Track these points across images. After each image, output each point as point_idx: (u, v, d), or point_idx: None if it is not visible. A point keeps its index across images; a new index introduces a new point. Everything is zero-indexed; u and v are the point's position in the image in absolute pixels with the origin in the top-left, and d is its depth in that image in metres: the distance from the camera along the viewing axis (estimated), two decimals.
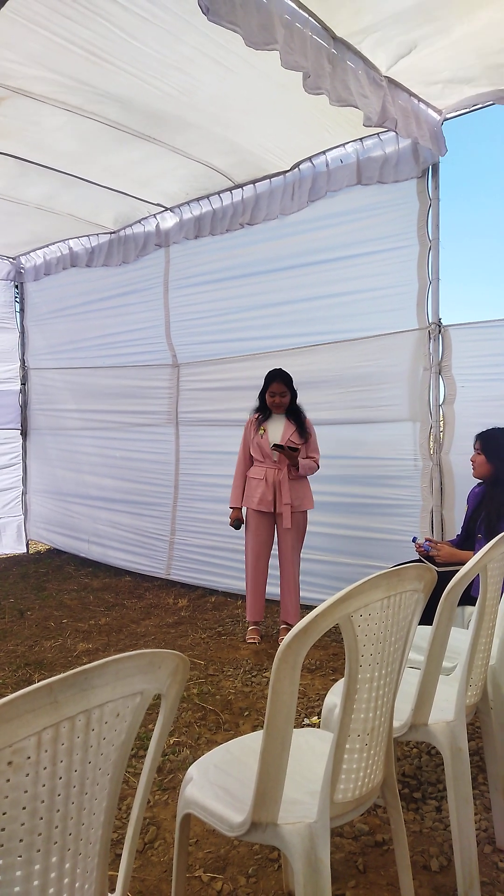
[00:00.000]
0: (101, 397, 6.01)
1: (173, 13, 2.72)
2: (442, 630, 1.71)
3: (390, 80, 3.27)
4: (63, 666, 3.62)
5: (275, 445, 3.79)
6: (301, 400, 3.97)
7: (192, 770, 1.56)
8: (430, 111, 3.61)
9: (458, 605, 2.36)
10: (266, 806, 1.30)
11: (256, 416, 3.98)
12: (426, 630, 1.76)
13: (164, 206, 5.10)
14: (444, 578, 1.77)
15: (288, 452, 3.75)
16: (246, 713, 2.99)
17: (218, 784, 1.49)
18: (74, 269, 6.06)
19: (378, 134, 3.91)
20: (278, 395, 3.86)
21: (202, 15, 2.36)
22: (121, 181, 4.62)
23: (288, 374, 3.90)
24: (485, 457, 3.01)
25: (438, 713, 1.79)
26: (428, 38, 2.96)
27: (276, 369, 3.91)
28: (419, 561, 2.97)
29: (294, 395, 3.92)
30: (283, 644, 1.21)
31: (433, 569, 1.49)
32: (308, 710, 2.99)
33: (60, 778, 0.86)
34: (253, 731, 2.66)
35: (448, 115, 3.66)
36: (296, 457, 3.78)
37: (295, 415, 3.90)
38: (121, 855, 1.17)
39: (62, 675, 0.83)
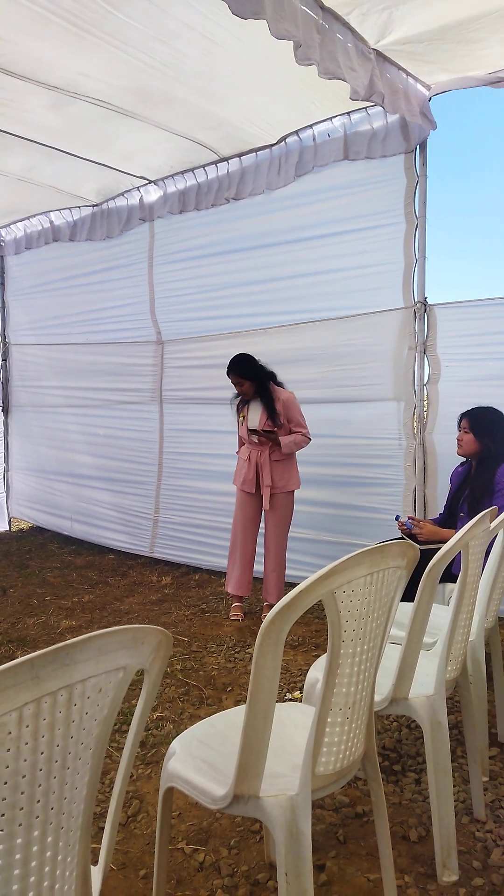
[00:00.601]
0: (84, 374, 5.95)
1: None
2: (423, 606, 1.73)
3: (378, 54, 3.21)
4: (46, 643, 3.62)
5: (250, 431, 3.80)
6: (285, 378, 3.95)
7: (175, 744, 1.57)
8: (419, 86, 3.56)
9: (440, 582, 2.39)
10: (248, 779, 1.31)
11: (237, 401, 3.97)
12: (408, 606, 1.77)
13: (147, 179, 5.01)
14: (426, 556, 1.78)
15: (263, 435, 3.75)
16: (229, 688, 3.01)
17: (201, 758, 1.50)
18: (56, 243, 5.95)
19: (366, 108, 3.86)
20: (236, 385, 3.84)
21: None
22: (104, 154, 4.53)
23: (242, 361, 3.80)
24: (473, 435, 3.02)
25: (419, 687, 1.81)
26: (416, 12, 2.91)
27: (230, 360, 3.82)
28: (402, 539, 3.00)
29: (258, 378, 3.81)
30: (266, 620, 1.21)
31: (416, 546, 1.49)
32: (290, 686, 3.02)
33: (42, 753, 0.85)
34: (236, 706, 2.68)
35: (437, 91, 3.61)
36: (274, 438, 3.76)
37: (266, 398, 3.82)
38: (104, 828, 1.17)
39: (44, 651, 0.83)
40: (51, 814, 0.89)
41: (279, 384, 3.92)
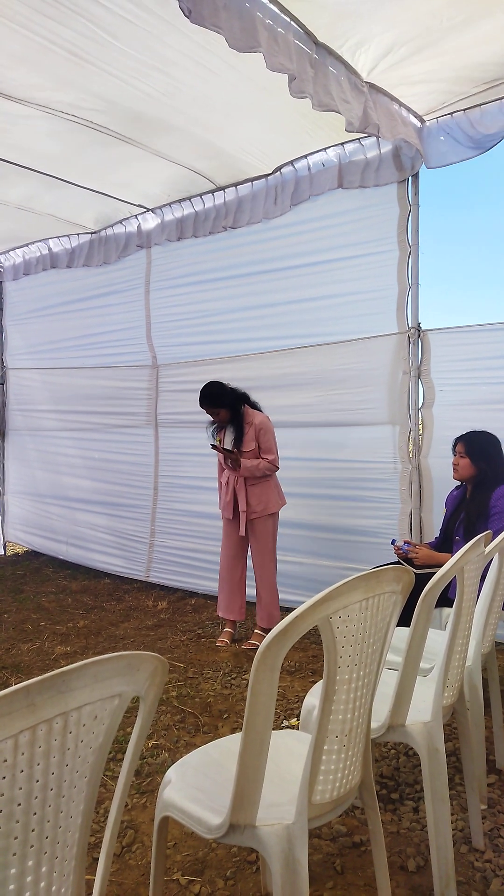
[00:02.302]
0: (80, 398, 5.97)
1: (155, 14, 2.72)
2: (419, 631, 1.73)
3: (371, 86, 3.29)
4: (41, 669, 3.58)
5: (212, 446, 3.83)
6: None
7: (171, 772, 1.55)
8: (412, 117, 3.64)
9: (436, 606, 2.38)
10: (244, 808, 1.30)
11: (214, 427, 3.97)
12: (404, 632, 1.77)
13: (145, 207, 5.09)
14: (422, 580, 1.78)
15: (222, 451, 3.77)
16: (225, 716, 2.98)
17: (196, 786, 1.49)
18: (54, 269, 6.02)
19: (359, 139, 3.94)
20: (212, 415, 3.85)
21: (184, 17, 2.37)
22: (102, 182, 4.61)
23: (212, 393, 3.77)
24: (469, 459, 3.04)
25: (416, 714, 1.80)
26: (409, 45, 2.99)
27: (201, 391, 3.80)
28: (398, 563, 3.00)
29: (230, 405, 3.79)
30: (262, 646, 1.21)
31: (411, 570, 1.50)
32: (287, 712, 2.99)
33: (37, 781, 0.85)
34: (232, 733, 2.65)
35: (429, 121, 3.70)
36: (233, 457, 3.75)
37: (237, 421, 3.81)
38: (98, 859, 1.16)
39: (39, 678, 0.83)
40: (45, 843, 0.89)
41: (254, 405, 3.91)
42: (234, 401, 3.83)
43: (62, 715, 0.87)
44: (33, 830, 0.86)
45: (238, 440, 3.79)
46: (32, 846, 0.87)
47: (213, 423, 3.96)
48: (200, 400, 3.80)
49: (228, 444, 3.84)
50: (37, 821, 0.86)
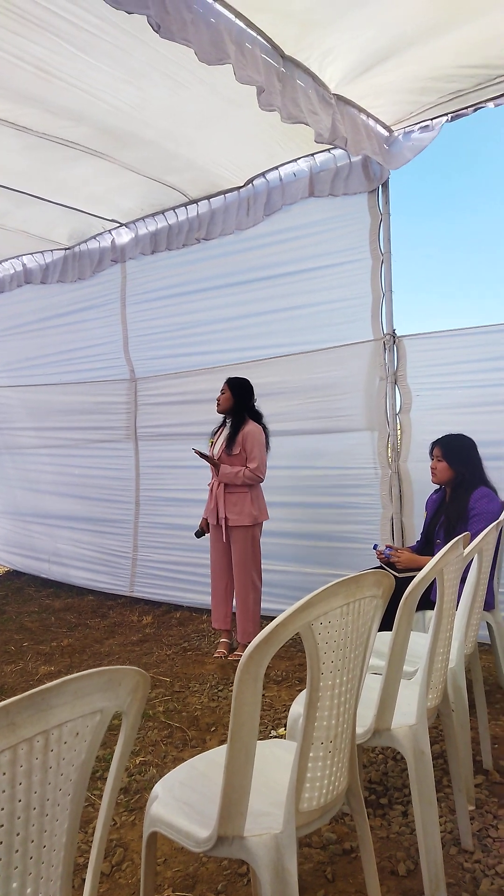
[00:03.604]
0: (58, 414, 5.94)
1: (123, 29, 2.74)
2: (401, 635, 1.74)
3: (339, 98, 3.34)
4: (24, 690, 3.52)
5: (194, 449, 3.86)
6: (262, 411, 3.98)
7: (158, 787, 1.54)
8: (379, 127, 3.70)
9: (419, 609, 2.40)
10: (232, 819, 1.30)
11: (217, 428, 4.02)
12: (388, 636, 1.78)
13: (118, 222, 5.10)
14: (403, 584, 1.80)
15: (201, 456, 3.80)
16: (213, 728, 2.97)
17: (183, 800, 1.48)
18: (29, 285, 5.99)
19: (329, 149, 3.99)
20: (221, 392, 3.90)
21: (152, 31, 2.39)
22: (74, 198, 4.61)
23: (240, 380, 3.90)
24: (447, 463, 3.07)
25: (401, 717, 1.81)
26: (377, 56, 3.05)
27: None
28: (380, 568, 3.01)
29: (239, 399, 3.86)
30: (244, 655, 1.21)
31: (391, 574, 1.51)
32: (275, 722, 2.99)
33: (20, 800, 0.85)
34: (220, 745, 2.64)
35: (396, 131, 3.76)
36: (211, 461, 3.78)
37: (235, 425, 3.85)
38: (86, 879, 1.15)
39: (19, 697, 0.82)
40: (30, 863, 0.88)
41: (258, 420, 3.92)
42: (243, 400, 3.87)
43: (43, 733, 0.86)
44: (17, 851, 0.86)
45: (229, 443, 3.80)
46: (17, 867, 0.86)
47: (214, 433, 4.01)
48: (229, 378, 3.94)
49: (219, 445, 3.86)
50: (20, 841, 0.86)
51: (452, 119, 3.57)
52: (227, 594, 3.96)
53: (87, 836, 2.13)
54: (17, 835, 0.85)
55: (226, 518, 3.81)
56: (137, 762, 2.66)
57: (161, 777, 1.62)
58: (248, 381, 3.92)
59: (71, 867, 1.00)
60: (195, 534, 4.06)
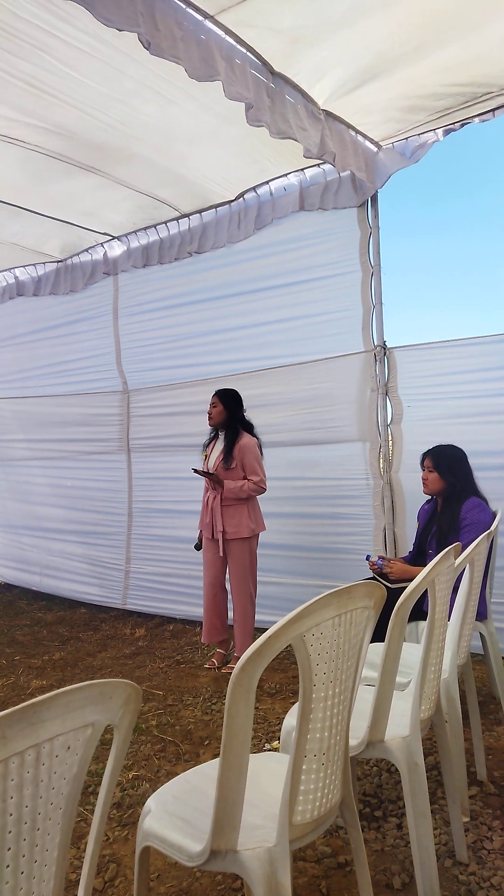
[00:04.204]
0: (50, 426, 5.93)
1: (114, 47, 2.77)
2: (394, 646, 1.74)
3: (328, 113, 3.39)
4: (15, 704, 3.50)
5: (193, 469, 3.85)
6: (254, 423, 3.99)
7: (150, 802, 1.54)
8: (367, 143, 3.74)
9: (412, 620, 2.40)
10: (224, 832, 1.29)
11: (209, 441, 4.02)
12: (381, 647, 1.78)
13: (111, 235, 5.12)
14: (396, 595, 1.80)
15: (202, 475, 3.80)
16: (206, 742, 2.95)
17: (176, 814, 1.47)
18: (21, 297, 6.01)
19: (319, 164, 4.03)
20: (211, 405, 3.91)
21: (142, 48, 2.42)
22: (66, 211, 4.63)
23: (229, 391, 3.91)
24: (438, 473, 3.08)
25: (394, 729, 1.81)
26: (363, 72, 3.09)
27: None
28: (373, 579, 3.02)
29: (231, 412, 3.87)
30: (236, 667, 1.21)
31: (382, 585, 1.52)
32: (269, 735, 2.97)
33: (11, 814, 0.84)
34: (214, 759, 2.63)
35: (385, 147, 3.80)
36: (214, 478, 3.78)
37: (230, 438, 3.85)
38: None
39: (9, 711, 0.82)
40: (21, 878, 0.87)
41: (250, 431, 3.93)
42: (235, 411, 3.88)
43: (34, 747, 0.86)
44: (8, 866, 0.85)
45: (226, 459, 3.80)
46: (7, 882, 0.86)
47: (206, 445, 4.01)
48: (217, 390, 3.94)
49: (215, 458, 3.86)
50: (11, 856, 0.85)
51: (444, 135, 3.61)
52: (216, 607, 3.94)
53: (80, 851, 2.11)
54: (8, 849, 0.85)
55: (223, 531, 3.80)
56: (130, 777, 2.64)
57: (154, 791, 1.62)
58: (237, 392, 3.93)
59: (62, 882, 0.99)
60: (195, 546, 4.05)
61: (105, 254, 5.29)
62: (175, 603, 4.98)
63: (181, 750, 2.88)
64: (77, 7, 2.27)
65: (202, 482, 4.00)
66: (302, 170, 4.11)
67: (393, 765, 2.54)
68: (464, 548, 2.29)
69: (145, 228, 4.94)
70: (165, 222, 4.83)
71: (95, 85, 3.07)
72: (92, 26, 2.55)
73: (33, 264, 5.78)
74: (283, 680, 3.63)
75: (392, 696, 1.78)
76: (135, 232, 5.01)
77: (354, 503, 4.14)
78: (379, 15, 2.67)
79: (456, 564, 2.06)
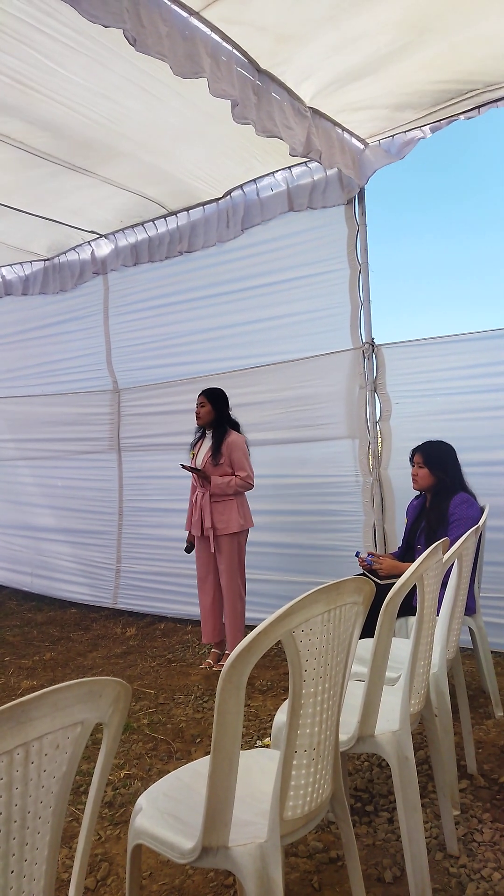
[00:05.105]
0: (39, 426, 5.91)
1: (100, 42, 2.76)
2: (383, 641, 1.75)
3: (314, 111, 3.39)
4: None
5: (182, 465, 3.86)
6: (242, 421, 3.99)
7: (142, 800, 1.54)
8: (354, 140, 3.75)
9: (401, 615, 2.41)
10: (216, 829, 1.29)
11: (196, 440, 4.02)
12: (371, 642, 1.79)
13: (98, 234, 5.10)
14: (385, 590, 1.81)
15: (190, 471, 3.81)
16: (198, 740, 2.95)
17: (168, 812, 1.48)
18: (9, 297, 5.97)
19: (305, 162, 4.03)
20: (199, 405, 3.91)
21: (128, 44, 2.41)
22: (52, 209, 4.60)
23: (215, 391, 3.92)
24: (428, 469, 3.10)
25: (384, 723, 1.82)
26: (350, 70, 3.09)
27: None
28: (363, 575, 3.03)
29: (218, 410, 3.88)
30: (226, 664, 1.22)
31: (371, 581, 1.52)
32: (261, 732, 2.98)
33: (0, 813, 0.84)
34: (205, 756, 2.63)
35: (372, 145, 3.81)
36: (202, 474, 3.79)
37: (217, 435, 3.87)
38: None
39: None
40: (11, 877, 0.87)
41: (236, 429, 3.94)
42: (222, 410, 3.90)
43: (23, 745, 0.86)
44: None
45: (214, 456, 3.81)
46: None
47: (193, 444, 4.00)
48: (204, 390, 3.93)
49: (203, 455, 3.86)
50: (1, 854, 0.85)
51: (431, 132, 3.62)
52: (215, 607, 3.94)
53: (72, 851, 2.11)
54: None
55: (213, 527, 3.80)
56: (122, 775, 2.64)
57: (146, 790, 1.62)
58: (223, 391, 3.94)
59: (53, 881, 0.99)
60: (185, 549, 4.04)
61: (93, 252, 5.27)
62: (166, 602, 4.97)
63: (173, 748, 2.88)
64: (61, 2, 2.25)
65: (191, 481, 3.99)
66: (289, 168, 4.11)
67: (384, 759, 2.55)
68: (452, 543, 2.30)
69: (133, 226, 4.93)
70: (153, 220, 4.82)
71: (81, 81, 3.06)
72: (78, 22, 2.53)
73: (20, 263, 5.74)
74: (274, 677, 3.64)
75: (382, 691, 1.79)
76: (122, 230, 5.00)
77: (343, 500, 4.16)
78: (363, 13, 2.67)
79: (444, 560, 2.08)
